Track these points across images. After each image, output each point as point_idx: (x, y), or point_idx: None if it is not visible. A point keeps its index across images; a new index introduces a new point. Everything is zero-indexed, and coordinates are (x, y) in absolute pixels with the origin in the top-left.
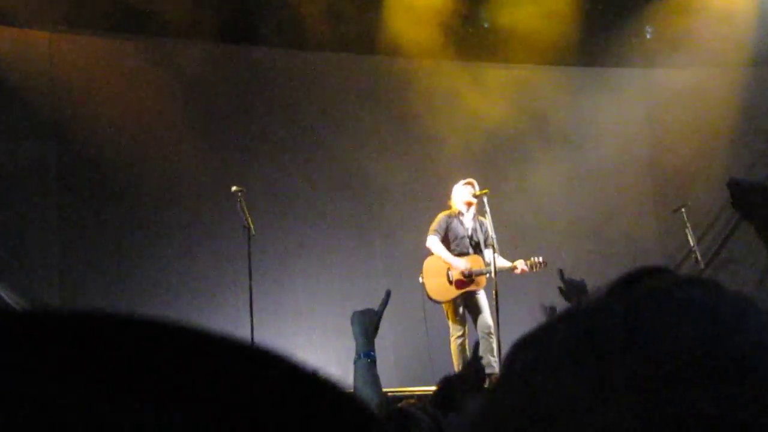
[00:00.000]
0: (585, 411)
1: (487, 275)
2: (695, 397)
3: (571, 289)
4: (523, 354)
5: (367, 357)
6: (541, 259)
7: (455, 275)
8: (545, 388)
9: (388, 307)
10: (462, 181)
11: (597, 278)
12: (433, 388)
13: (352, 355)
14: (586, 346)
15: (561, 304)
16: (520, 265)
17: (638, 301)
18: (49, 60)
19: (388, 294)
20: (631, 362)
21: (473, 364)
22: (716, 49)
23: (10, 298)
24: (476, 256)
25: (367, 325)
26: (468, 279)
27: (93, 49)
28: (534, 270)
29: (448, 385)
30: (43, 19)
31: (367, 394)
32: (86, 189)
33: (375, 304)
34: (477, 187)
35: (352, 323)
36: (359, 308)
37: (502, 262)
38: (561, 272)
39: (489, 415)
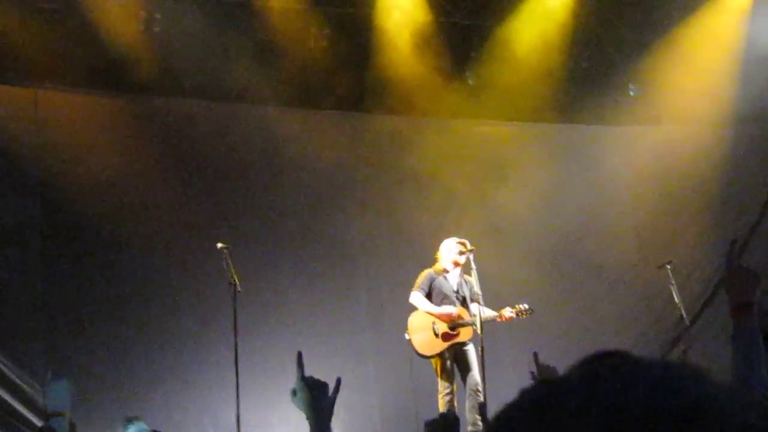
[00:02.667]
0: None
1: (474, 328)
2: None
3: (543, 373)
4: (494, 424)
5: None
6: (527, 306)
7: (441, 328)
8: None
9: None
10: (453, 239)
11: (582, 335)
12: None
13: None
14: (544, 411)
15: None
16: (506, 312)
17: (592, 374)
18: (35, 117)
19: (338, 381)
20: (588, 418)
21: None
22: (699, 106)
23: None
24: (461, 308)
25: (320, 415)
26: (453, 331)
27: (78, 106)
28: (519, 317)
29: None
30: (29, 76)
31: None
32: (70, 246)
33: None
34: (467, 247)
35: (304, 410)
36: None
37: (488, 313)
38: (536, 356)
39: None
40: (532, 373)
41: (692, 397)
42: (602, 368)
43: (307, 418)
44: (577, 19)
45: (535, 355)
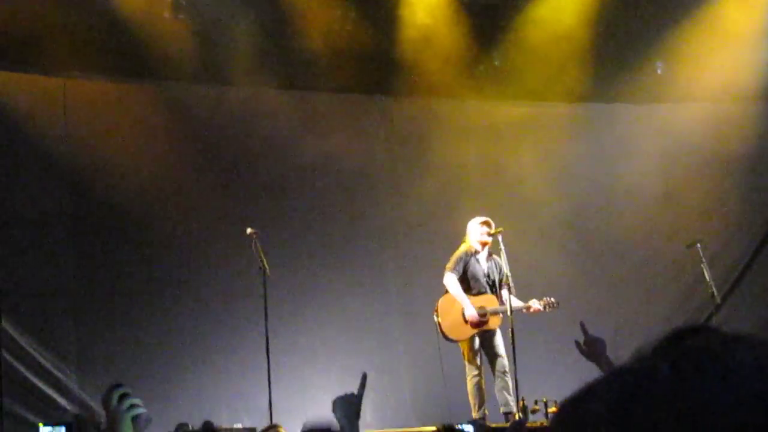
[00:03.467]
0: None
1: (502, 314)
2: None
3: (591, 343)
4: (569, 417)
5: None
6: (554, 299)
7: (468, 317)
8: None
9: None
10: (478, 219)
11: (610, 316)
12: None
13: (369, 394)
14: (633, 405)
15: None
16: (534, 304)
17: (684, 360)
18: (63, 106)
19: (364, 377)
20: (678, 423)
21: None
22: (728, 82)
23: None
24: (491, 296)
25: (349, 409)
26: (482, 319)
27: (105, 94)
28: (547, 310)
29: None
30: (57, 65)
31: None
32: (99, 233)
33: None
34: (493, 227)
35: (334, 410)
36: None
37: (517, 302)
38: (583, 326)
39: None
40: (577, 342)
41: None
42: (694, 353)
43: (339, 420)
44: None
45: (582, 325)
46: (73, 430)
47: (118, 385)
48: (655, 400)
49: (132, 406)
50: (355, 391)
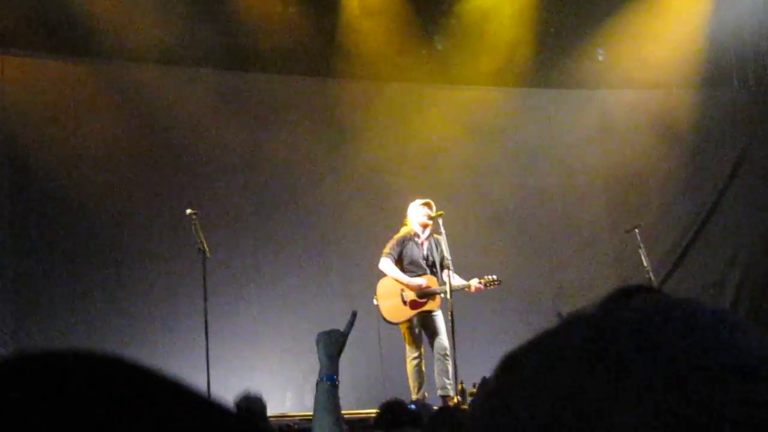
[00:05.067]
0: (604, 411)
1: (442, 295)
2: (715, 398)
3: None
4: (527, 360)
5: (329, 380)
6: (494, 277)
7: (409, 296)
8: (561, 390)
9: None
10: (419, 201)
11: (549, 301)
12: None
13: (309, 377)
14: (599, 349)
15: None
16: (474, 283)
17: (647, 308)
18: (1, 83)
19: (353, 315)
20: (647, 364)
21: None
22: (667, 70)
23: None
24: (431, 276)
25: (332, 347)
26: (422, 299)
27: (44, 71)
28: (488, 288)
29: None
30: None
31: (325, 421)
32: (39, 214)
33: (330, 326)
34: (434, 208)
35: (317, 344)
36: (315, 330)
37: (457, 281)
38: (559, 314)
39: (498, 422)
40: (559, 313)
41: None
42: (652, 310)
43: (321, 358)
44: None
45: (559, 314)
46: None
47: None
48: (621, 346)
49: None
50: (341, 329)
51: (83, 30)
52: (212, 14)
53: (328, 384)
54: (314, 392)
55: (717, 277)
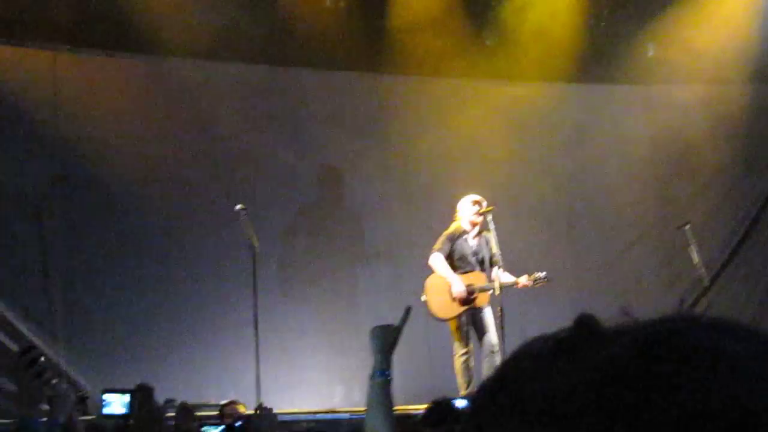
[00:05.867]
0: None
1: (491, 292)
2: None
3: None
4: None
5: (381, 376)
6: (543, 274)
7: (455, 294)
8: None
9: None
10: (469, 198)
11: (599, 298)
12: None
13: (357, 373)
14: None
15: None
16: (523, 280)
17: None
18: (53, 79)
19: (408, 310)
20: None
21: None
22: (719, 65)
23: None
24: (479, 273)
25: (385, 341)
26: (471, 295)
27: (95, 68)
28: (536, 285)
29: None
30: (46, 38)
31: (376, 415)
32: (90, 209)
33: (378, 322)
34: (484, 206)
35: (371, 338)
36: (364, 326)
37: (506, 278)
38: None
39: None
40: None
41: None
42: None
43: (374, 353)
44: None
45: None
46: (136, 398)
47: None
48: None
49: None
50: (396, 323)
51: (133, 26)
52: (259, 10)
53: (381, 379)
54: (364, 387)
55: None
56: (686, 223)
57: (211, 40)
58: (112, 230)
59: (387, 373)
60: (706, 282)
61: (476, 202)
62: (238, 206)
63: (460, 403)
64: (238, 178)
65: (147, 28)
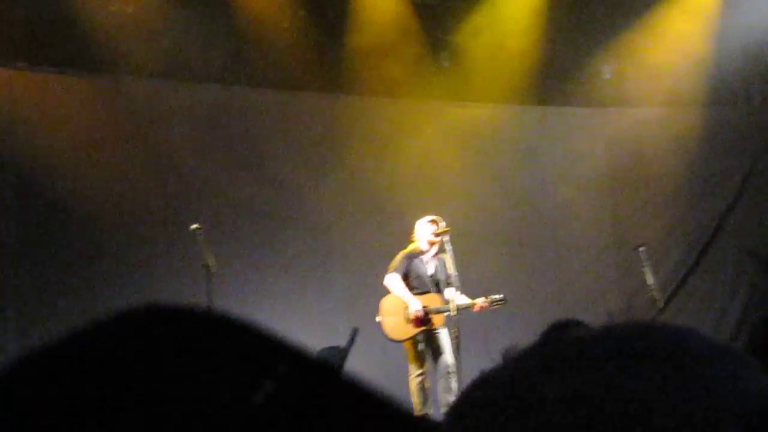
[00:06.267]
0: None
1: (447, 314)
2: None
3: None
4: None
5: None
6: (500, 296)
7: (413, 314)
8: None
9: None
10: (426, 218)
11: (556, 316)
12: None
13: None
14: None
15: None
16: (479, 301)
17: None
18: (9, 97)
19: (354, 332)
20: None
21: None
22: (673, 88)
23: None
24: (434, 295)
25: (332, 363)
26: (425, 318)
27: (51, 86)
28: (493, 306)
29: None
30: (2, 57)
31: None
32: (45, 228)
33: (337, 342)
34: (441, 225)
35: None
36: (318, 347)
37: (463, 300)
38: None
39: None
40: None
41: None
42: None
43: None
44: (552, 0)
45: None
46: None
47: None
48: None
49: None
50: (342, 345)
51: (89, 45)
52: (216, 30)
53: None
54: None
55: (723, 296)
56: (641, 245)
57: (167, 60)
58: (66, 249)
59: None
60: (660, 303)
61: (433, 221)
62: (194, 226)
63: None
64: (193, 198)
65: (103, 47)
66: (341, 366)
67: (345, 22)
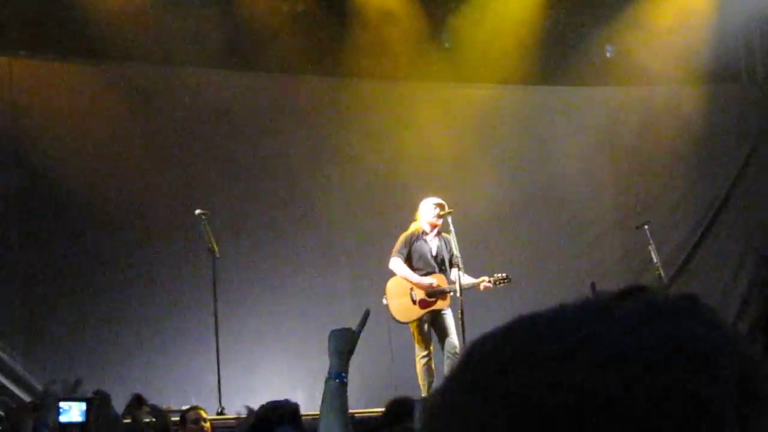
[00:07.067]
0: None
1: (452, 293)
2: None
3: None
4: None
5: (337, 378)
6: (504, 274)
7: (419, 295)
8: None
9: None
10: (431, 200)
11: (558, 298)
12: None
13: (318, 378)
14: (532, 350)
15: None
16: (485, 282)
17: (598, 309)
18: (9, 86)
19: (366, 313)
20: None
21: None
22: (675, 66)
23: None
24: (440, 275)
25: (343, 344)
26: (431, 298)
27: (52, 74)
28: (498, 285)
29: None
30: (2, 45)
31: (330, 418)
32: (47, 214)
33: (340, 326)
34: (446, 209)
35: (329, 341)
36: (324, 330)
37: (467, 280)
38: (593, 285)
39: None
40: (593, 284)
41: (707, 343)
42: (612, 304)
43: (331, 356)
44: None
45: (593, 285)
46: (93, 407)
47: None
48: (551, 347)
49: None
50: (354, 327)
51: (90, 32)
52: (219, 15)
53: (337, 382)
54: (324, 389)
55: (728, 273)
56: (645, 223)
57: (167, 45)
58: (71, 236)
59: (343, 375)
60: (665, 281)
61: (438, 205)
62: (198, 211)
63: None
64: (197, 183)
65: (103, 33)
66: (352, 348)
67: (346, 3)
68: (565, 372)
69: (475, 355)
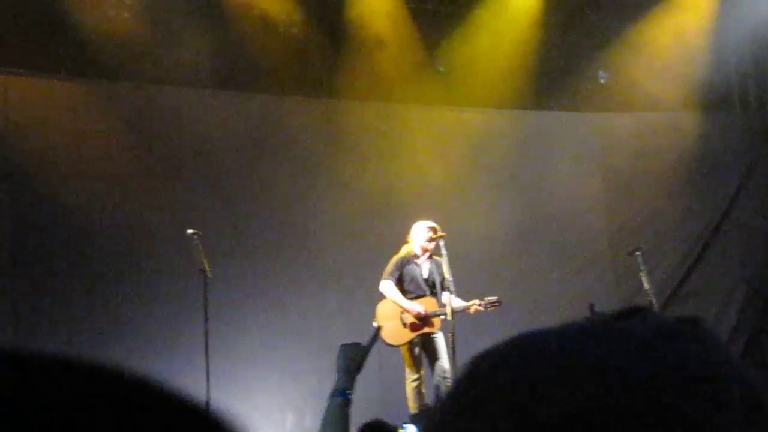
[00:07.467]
0: None
1: (443, 317)
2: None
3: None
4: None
5: (341, 395)
6: (495, 298)
7: (409, 318)
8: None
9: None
10: (424, 223)
11: (552, 319)
12: None
13: (308, 399)
14: (527, 366)
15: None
16: (475, 305)
17: (595, 328)
18: (4, 103)
19: (377, 331)
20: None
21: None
22: (669, 93)
23: None
24: (430, 298)
25: (350, 360)
26: (422, 322)
27: (48, 91)
28: (488, 309)
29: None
30: None
31: None
32: (40, 232)
33: (331, 347)
34: (438, 232)
35: (338, 356)
36: (315, 351)
37: (458, 303)
38: (592, 307)
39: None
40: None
41: (712, 367)
42: (612, 324)
43: (338, 372)
44: (547, 5)
45: (592, 306)
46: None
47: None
48: (546, 364)
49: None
50: (363, 343)
51: (85, 51)
52: (213, 37)
53: (341, 399)
54: (316, 413)
55: (720, 300)
56: (637, 249)
57: (161, 66)
58: (63, 254)
59: (348, 393)
60: (656, 308)
61: (431, 228)
62: (190, 231)
63: (411, 429)
64: (190, 203)
65: (99, 52)
66: (360, 365)
67: (341, 26)
68: (569, 391)
69: (478, 371)
